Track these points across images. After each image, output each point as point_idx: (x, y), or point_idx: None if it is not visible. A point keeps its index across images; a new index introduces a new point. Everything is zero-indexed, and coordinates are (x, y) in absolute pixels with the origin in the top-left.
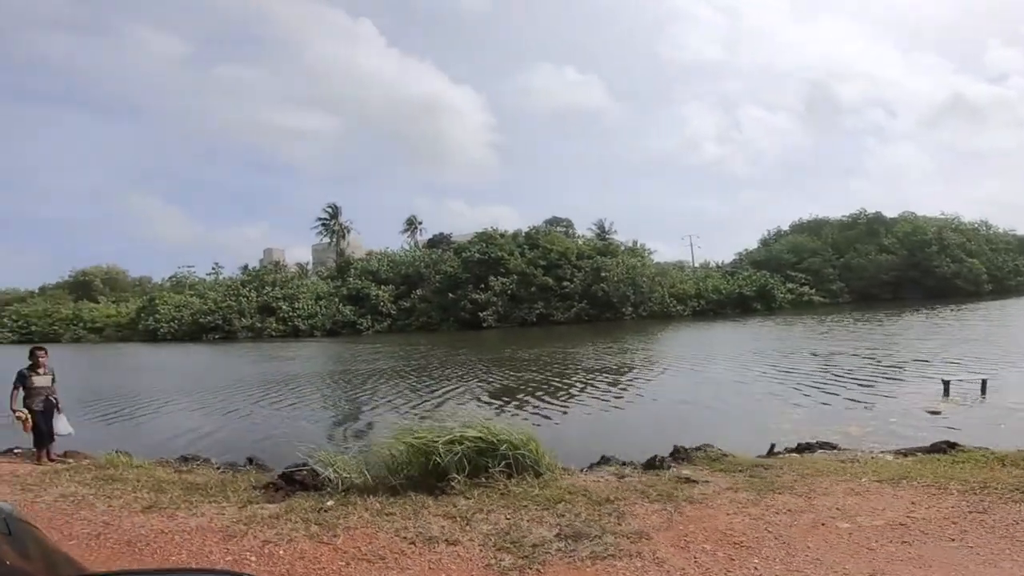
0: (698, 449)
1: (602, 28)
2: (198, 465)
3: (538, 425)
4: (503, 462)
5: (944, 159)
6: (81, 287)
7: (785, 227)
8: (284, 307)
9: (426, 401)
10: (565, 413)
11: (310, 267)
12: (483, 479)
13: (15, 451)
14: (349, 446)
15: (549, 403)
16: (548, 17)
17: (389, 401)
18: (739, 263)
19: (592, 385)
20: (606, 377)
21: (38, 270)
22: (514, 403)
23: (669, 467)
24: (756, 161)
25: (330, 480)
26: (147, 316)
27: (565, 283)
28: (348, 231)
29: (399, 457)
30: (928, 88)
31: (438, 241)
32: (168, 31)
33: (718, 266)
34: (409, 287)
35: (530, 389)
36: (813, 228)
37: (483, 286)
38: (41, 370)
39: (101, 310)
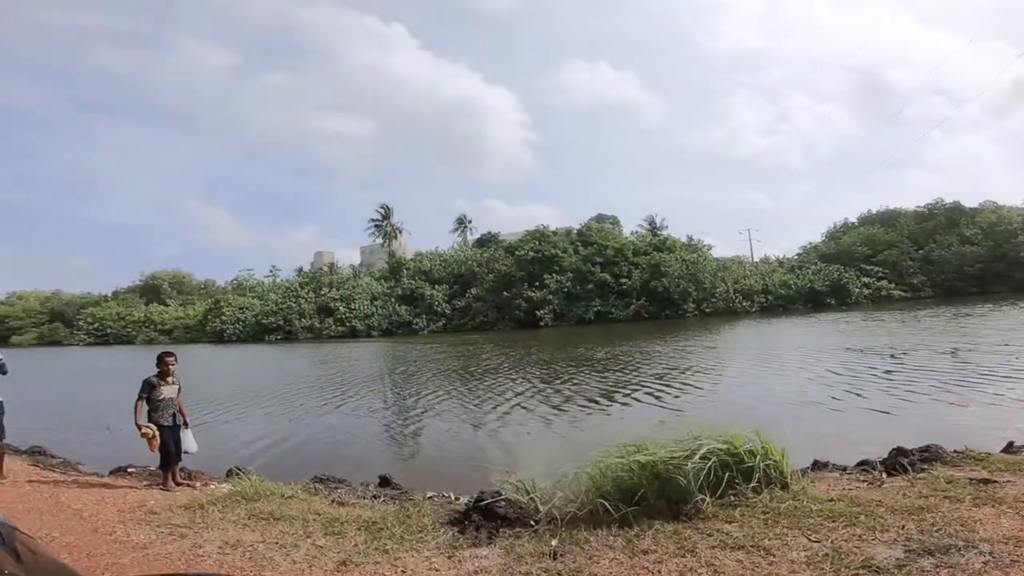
0: (925, 450)
1: (635, 21)
2: (337, 487)
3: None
4: (751, 476)
5: (1014, 147)
6: (151, 290)
7: (852, 219)
8: (341, 308)
9: (542, 405)
10: (679, 415)
11: (361, 269)
12: (730, 497)
13: (129, 471)
14: (492, 461)
15: (661, 405)
16: (578, 13)
17: (499, 407)
18: (805, 257)
19: (693, 386)
20: (705, 376)
21: (107, 275)
22: (625, 405)
23: (922, 469)
24: (807, 153)
25: (533, 511)
26: (213, 318)
27: (622, 280)
28: (400, 232)
29: (626, 479)
30: (991, 74)
31: (486, 240)
32: (216, 42)
33: (779, 261)
34: (463, 286)
35: (629, 390)
36: (885, 220)
37: (538, 284)
38: (170, 379)
39: (170, 312)
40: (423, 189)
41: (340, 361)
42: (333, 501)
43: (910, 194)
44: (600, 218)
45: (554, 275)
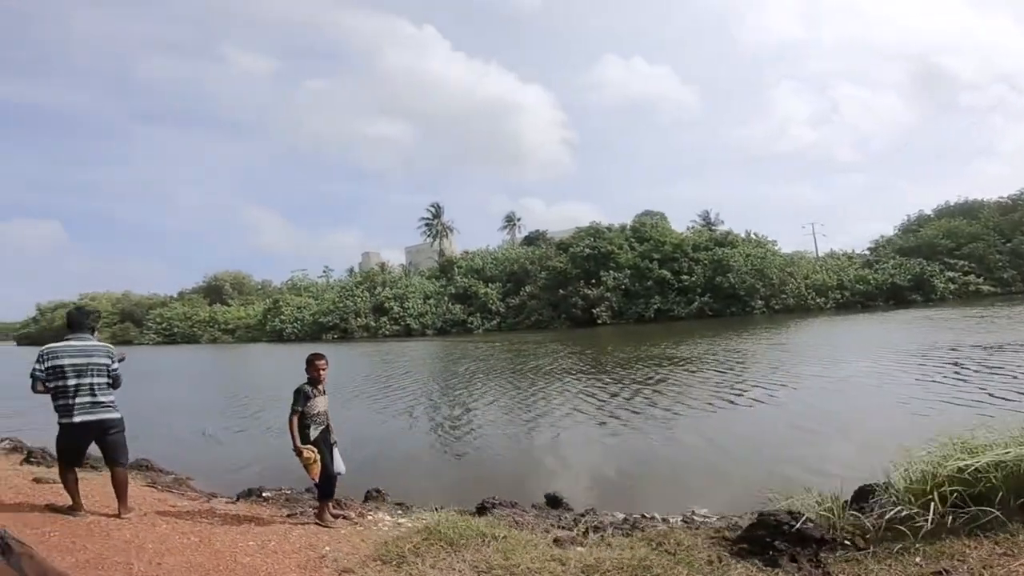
0: None
1: (669, 16)
2: (513, 512)
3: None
4: None
5: None
6: (213, 291)
7: (927, 211)
8: (396, 307)
9: (653, 408)
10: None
11: (409, 268)
12: None
13: (263, 495)
14: (671, 473)
15: (809, 406)
16: (608, 9)
17: (610, 409)
18: (879, 251)
19: (833, 382)
20: (821, 380)
21: (170, 278)
22: (754, 404)
23: None
24: (860, 144)
25: (829, 527)
26: (273, 317)
27: (683, 277)
28: (450, 231)
29: (970, 481)
30: None
31: (535, 238)
32: (257, 50)
33: (848, 255)
34: (516, 285)
35: (746, 388)
36: (966, 211)
37: (594, 282)
38: (322, 386)
39: (232, 312)
40: (462, 189)
41: (402, 359)
42: (554, 540)
43: (978, 184)
44: (647, 214)
45: (611, 272)
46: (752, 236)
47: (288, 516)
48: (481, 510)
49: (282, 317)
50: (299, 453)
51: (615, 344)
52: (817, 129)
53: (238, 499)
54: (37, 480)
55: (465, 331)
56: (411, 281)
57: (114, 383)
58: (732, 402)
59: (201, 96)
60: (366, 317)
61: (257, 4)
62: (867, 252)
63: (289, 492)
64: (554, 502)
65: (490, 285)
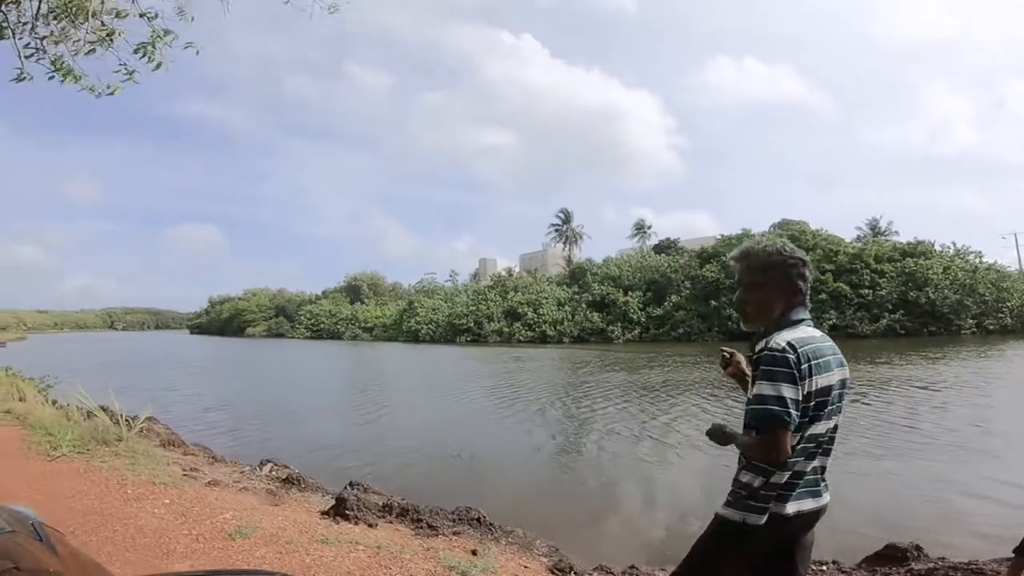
0: None
1: (782, 14)
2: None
3: None
4: None
5: None
6: (352, 291)
7: None
8: (530, 313)
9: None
10: None
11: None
12: None
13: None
14: None
15: None
16: (711, 8)
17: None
18: None
19: None
20: None
21: (310, 279)
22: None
23: None
24: None
25: None
26: (408, 318)
27: (863, 290)
28: (580, 237)
29: None
30: None
31: (666, 247)
32: (376, 66)
33: None
34: (656, 294)
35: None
36: None
37: None
38: None
39: (371, 311)
40: (570, 198)
41: (598, 370)
42: None
43: None
44: (784, 224)
45: None
46: (951, 247)
47: None
48: None
49: (417, 318)
50: None
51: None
52: (981, 130)
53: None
54: None
55: (604, 340)
56: (544, 287)
57: None
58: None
59: (331, 112)
60: (499, 322)
61: (371, 23)
62: None
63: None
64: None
65: (630, 293)
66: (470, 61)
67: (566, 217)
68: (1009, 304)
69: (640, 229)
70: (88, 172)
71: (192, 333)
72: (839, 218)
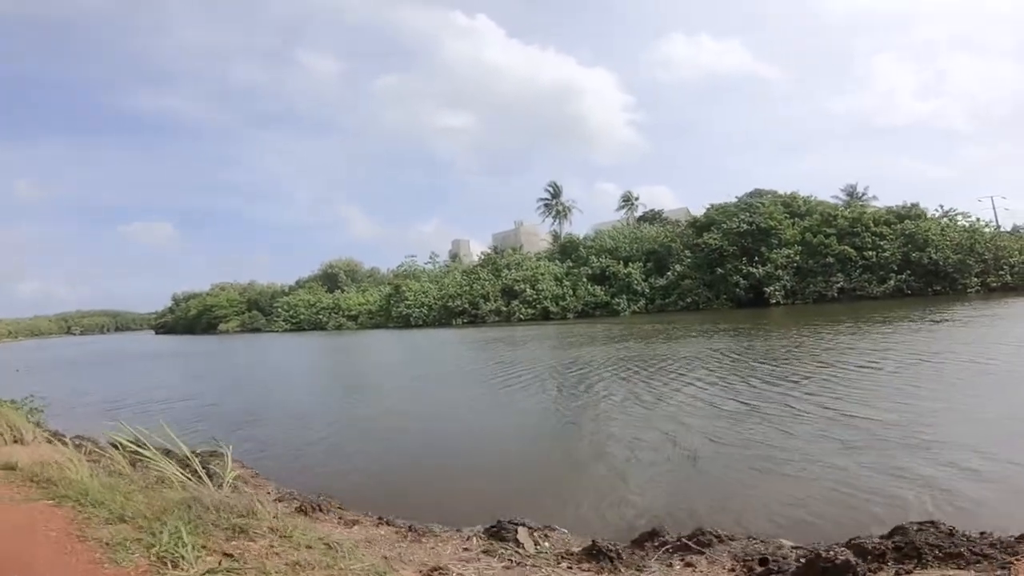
0: None
1: None
2: None
3: None
4: None
5: None
6: (329, 279)
7: None
8: (528, 290)
9: None
10: None
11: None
12: None
13: None
14: None
15: None
16: None
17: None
18: None
19: None
20: None
21: (277, 269)
22: None
23: None
24: (978, 115)
25: None
26: (397, 303)
27: (867, 252)
28: (570, 210)
29: None
30: None
31: (650, 217)
32: (325, 51)
33: None
34: (657, 264)
35: None
36: None
37: (757, 259)
38: None
39: (355, 298)
40: (535, 176)
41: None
42: None
43: None
44: (756, 193)
45: (782, 249)
46: (940, 209)
47: None
48: None
49: (407, 303)
50: None
51: (847, 326)
52: (927, 100)
53: None
54: None
55: (610, 313)
56: (539, 263)
57: None
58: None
59: (287, 98)
60: (496, 301)
61: (321, 7)
62: None
63: None
64: None
65: (631, 265)
66: (425, 43)
67: (555, 191)
68: (1010, 261)
69: (627, 201)
70: (27, 171)
71: (157, 333)
72: (802, 187)
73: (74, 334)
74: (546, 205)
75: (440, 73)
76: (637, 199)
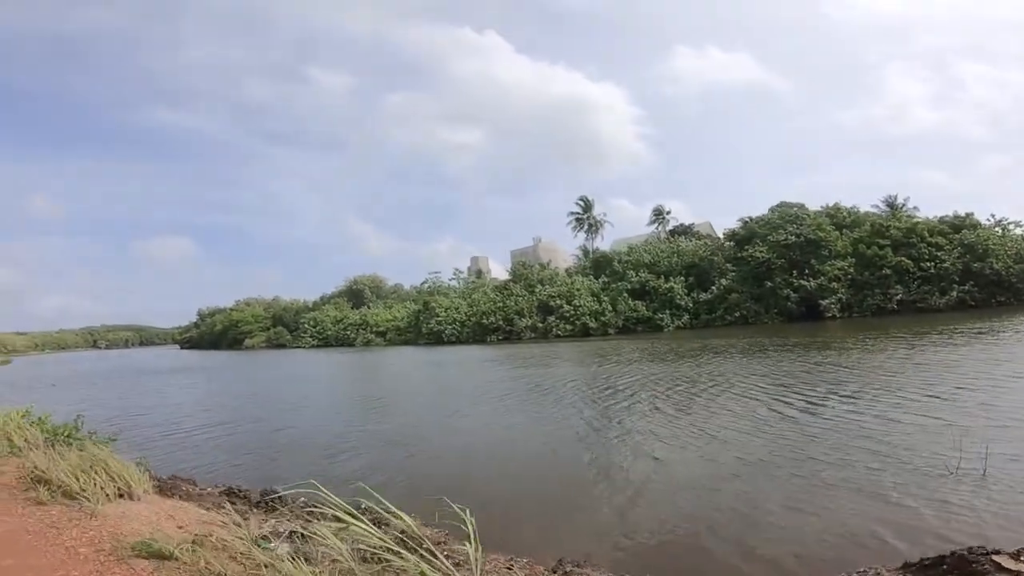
0: None
1: (738, 2)
2: None
3: None
4: None
5: None
6: (354, 295)
7: None
8: (565, 306)
9: None
10: None
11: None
12: None
13: None
14: None
15: None
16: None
17: None
18: None
19: None
20: None
21: (292, 286)
22: None
23: None
24: (996, 123)
25: None
26: (427, 319)
27: (924, 264)
28: (602, 224)
29: None
30: None
31: (681, 231)
32: (336, 68)
33: None
34: (699, 278)
35: None
36: None
37: (807, 272)
38: None
39: (383, 314)
40: (546, 192)
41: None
42: None
43: None
44: (784, 205)
45: (835, 261)
46: (991, 218)
47: None
48: None
49: (438, 319)
50: None
51: (948, 344)
52: (940, 110)
53: None
54: None
55: (652, 329)
56: (573, 278)
57: None
58: None
59: (298, 116)
60: (531, 317)
61: (331, 26)
62: None
63: None
64: None
65: (671, 279)
66: (434, 60)
67: (586, 205)
68: None
69: (659, 215)
70: (49, 187)
71: (182, 348)
72: (815, 200)
73: (100, 347)
74: (577, 219)
75: (449, 90)
76: (668, 212)
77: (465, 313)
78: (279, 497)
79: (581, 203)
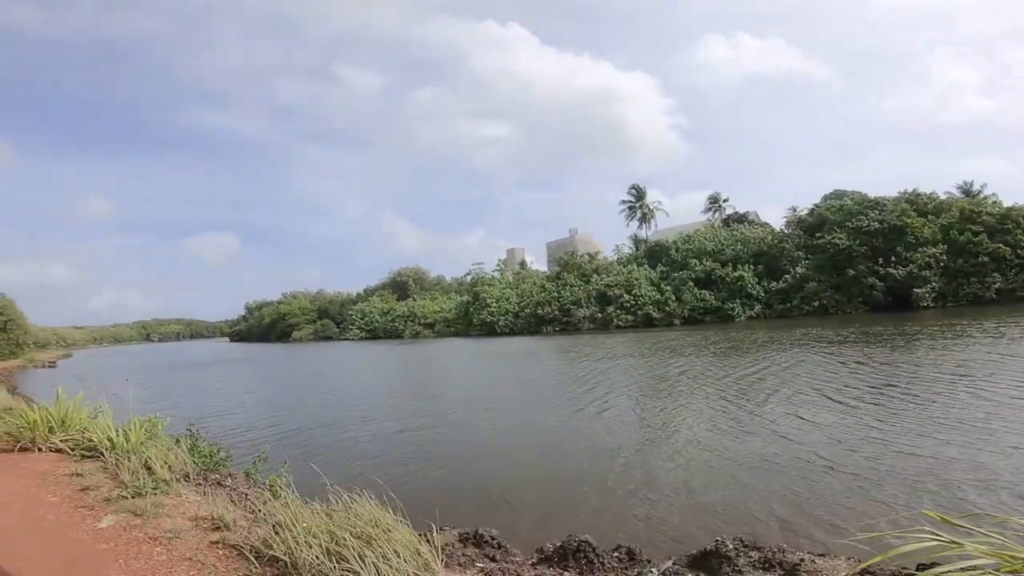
0: None
1: None
2: None
3: None
4: None
5: None
6: (398, 287)
7: None
8: (625, 295)
9: None
10: None
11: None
12: None
13: None
14: None
15: None
16: None
17: None
18: None
19: None
20: None
21: (331, 281)
22: None
23: None
24: None
25: None
26: (478, 310)
27: (1021, 250)
28: (655, 212)
29: None
30: None
31: (737, 219)
32: (364, 67)
33: None
34: (768, 267)
35: None
36: None
37: (893, 259)
38: None
39: (430, 306)
40: (576, 184)
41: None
42: None
43: None
44: (837, 195)
45: (926, 248)
46: None
47: None
48: None
49: (490, 310)
50: None
51: None
52: (992, 96)
53: None
54: None
55: (721, 319)
56: (628, 267)
57: None
58: None
59: (332, 115)
60: (589, 307)
61: (357, 24)
62: None
63: None
64: None
65: (740, 267)
66: (459, 55)
67: (639, 194)
68: None
69: (715, 203)
70: (99, 187)
71: (232, 341)
72: (865, 189)
73: (153, 341)
74: (630, 208)
75: (475, 84)
76: (726, 200)
77: (516, 304)
78: None
79: (634, 192)
